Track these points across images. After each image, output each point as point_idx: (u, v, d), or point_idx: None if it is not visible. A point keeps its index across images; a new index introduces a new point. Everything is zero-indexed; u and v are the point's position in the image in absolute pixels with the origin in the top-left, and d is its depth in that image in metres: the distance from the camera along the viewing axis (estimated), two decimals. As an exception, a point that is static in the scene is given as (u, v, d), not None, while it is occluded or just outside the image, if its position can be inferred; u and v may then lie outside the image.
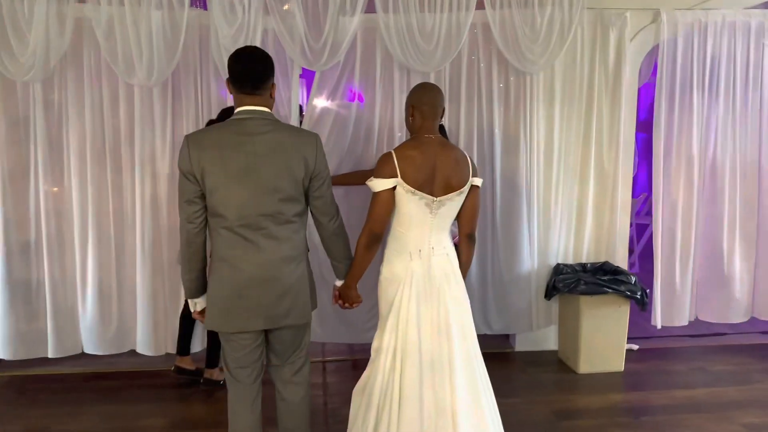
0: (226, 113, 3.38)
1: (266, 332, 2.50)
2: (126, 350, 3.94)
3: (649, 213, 5.68)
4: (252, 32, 3.61)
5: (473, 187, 2.63)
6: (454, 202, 2.59)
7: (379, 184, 2.51)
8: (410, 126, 2.66)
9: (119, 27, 3.51)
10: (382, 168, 2.53)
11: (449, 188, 2.55)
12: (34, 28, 3.45)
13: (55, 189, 3.75)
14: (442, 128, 3.54)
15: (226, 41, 3.57)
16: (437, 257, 2.60)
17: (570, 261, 4.18)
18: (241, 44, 3.52)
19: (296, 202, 2.38)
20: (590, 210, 4.14)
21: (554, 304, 4.20)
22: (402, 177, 2.50)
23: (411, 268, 2.57)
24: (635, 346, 4.29)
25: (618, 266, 4.09)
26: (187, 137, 2.29)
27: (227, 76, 2.33)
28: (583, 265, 4.11)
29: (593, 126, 4.03)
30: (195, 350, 3.82)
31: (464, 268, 2.70)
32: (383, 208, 2.52)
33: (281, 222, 2.35)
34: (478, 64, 3.91)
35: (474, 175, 2.62)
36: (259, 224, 2.32)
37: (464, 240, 2.71)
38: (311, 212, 2.50)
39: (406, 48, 3.71)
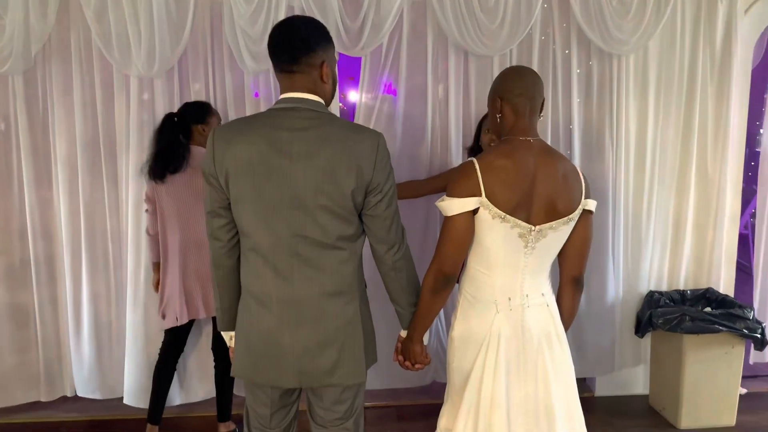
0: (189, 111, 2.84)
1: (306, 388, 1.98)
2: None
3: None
4: (274, 9, 2.93)
5: (585, 213, 1.91)
6: (558, 233, 1.87)
7: (454, 206, 1.80)
8: (498, 127, 1.94)
9: (113, 5, 2.87)
10: (460, 183, 1.82)
11: (554, 214, 1.84)
12: (11, 8, 2.85)
13: (41, 202, 3.13)
14: None
15: (243, 21, 2.90)
16: (533, 309, 1.89)
17: (664, 288, 3.40)
18: (260, 24, 2.92)
19: (343, 223, 1.79)
20: (690, 225, 3.36)
21: (645, 339, 3.43)
22: (488, 196, 1.79)
23: (497, 325, 1.86)
24: (743, 390, 3.49)
25: (725, 295, 3.30)
26: (215, 130, 1.83)
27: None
28: (682, 294, 3.33)
29: (695, 121, 3.25)
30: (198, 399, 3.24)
31: (566, 323, 1.98)
32: (459, 239, 1.82)
33: (324, 247, 1.80)
34: (552, 46, 3.16)
35: (587, 196, 1.90)
36: (294, 248, 1.79)
37: (568, 286, 1.99)
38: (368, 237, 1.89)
39: (464, 26, 2.98)
